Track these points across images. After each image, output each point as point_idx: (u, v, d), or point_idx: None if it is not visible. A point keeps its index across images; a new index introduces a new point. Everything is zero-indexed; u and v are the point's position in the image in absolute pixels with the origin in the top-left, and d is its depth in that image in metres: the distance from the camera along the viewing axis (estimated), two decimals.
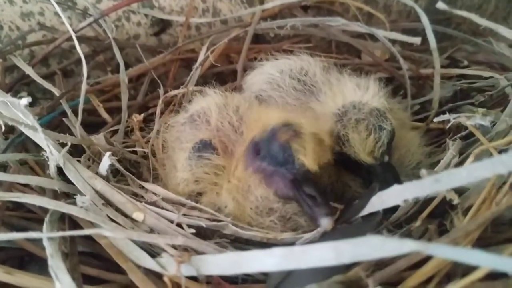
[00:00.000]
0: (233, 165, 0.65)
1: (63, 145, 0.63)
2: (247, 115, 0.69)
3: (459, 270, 0.48)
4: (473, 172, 0.45)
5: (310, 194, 0.56)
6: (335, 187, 0.69)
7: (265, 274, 0.56)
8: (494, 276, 0.47)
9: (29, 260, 0.62)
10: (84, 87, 0.74)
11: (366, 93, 0.70)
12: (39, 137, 0.57)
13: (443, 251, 0.40)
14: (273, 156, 0.60)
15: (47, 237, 0.50)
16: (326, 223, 0.53)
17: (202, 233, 0.59)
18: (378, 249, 0.40)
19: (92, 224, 0.57)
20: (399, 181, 0.53)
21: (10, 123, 0.57)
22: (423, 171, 0.51)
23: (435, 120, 0.70)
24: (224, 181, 0.65)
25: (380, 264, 0.50)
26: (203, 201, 0.64)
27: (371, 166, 0.64)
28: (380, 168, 0.63)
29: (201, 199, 0.65)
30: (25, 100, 0.49)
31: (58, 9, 0.76)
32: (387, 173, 0.63)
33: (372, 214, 0.53)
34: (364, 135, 0.63)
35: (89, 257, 0.61)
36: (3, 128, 0.56)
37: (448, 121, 0.79)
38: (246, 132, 0.66)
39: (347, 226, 0.55)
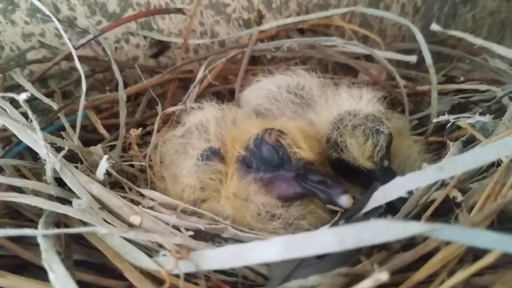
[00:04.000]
0: (229, 176, 0.65)
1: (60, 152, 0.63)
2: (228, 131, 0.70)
3: (467, 262, 0.47)
4: (477, 157, 0.44)
5: (319, 180, 0.55)
6: None
7: (266, 278, 0.54)
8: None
9: (22, 271, 0.60)
10: (83, 100, 0.74)
11: (360, 101, 0.70)
12: (37, 138, 0.56)
13: (449, 233, 0.39)
14: (267, 161, 0.60)
15: (41, 234, 0.49)
16: (345, 200, 0.53)
17: (200, 238, 0.57)
18: (382, 233, 0.39)
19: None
20: None
21: (7, 124, 0.56)
22: (424, 164, 0.50)
23: (434, 121, 0.70)
24: (225, 188, 0.64)
25: (384, 261, 0.49)
26: (203, 208, 0.63)
27: (371, 171, 0.63)
28: (381, 173, 0.63)
29: (201, 206, 0.64)
30: (24, 95, 0.49)
31: (58, 25, 0.77)
32: (388, 178, 0.62)
33: (374, 209, 0.52)
34: (361, 140, 0.63)
35: (83, 266, 0.59)
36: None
37: (447, 131, 0.80)
38: (229, 148, 0.66)
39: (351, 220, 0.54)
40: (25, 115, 0.64)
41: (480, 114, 0.79)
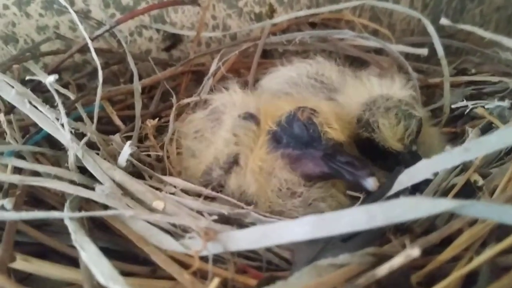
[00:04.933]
0: (259, 145, 0.66)
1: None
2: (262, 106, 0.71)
3: (491, 243, 0.47)
4: (502, 137, 0.44)
5: (347, 161, 0.56)
6: None
7: (290, 263, 0.55)
8: None
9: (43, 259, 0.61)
10: (99, 90, 0.75)
11: (393, 86, 0.71)
12: (58, 125, 0.57)
13: (478, 210, 0.39)
14: (297, 138, 0.61)
15: (68, 217, 0.49)
16: (371, 183, 0.54)
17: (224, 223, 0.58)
18: (412, 210, 0.40)
19: None
20: None
21: (28, 112, 0.57)
22: (447, 147, 0.51)
23: (453, 106, 0.71)
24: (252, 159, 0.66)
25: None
26: (231, 183, 0.65)
27: (400, 153, 0.63)
28: (409, 156, 0.63)
29: (228, 181, 0.65)
30: (52, 77, 0.49)
31: (74, 16, 0.77)
32: (415, 162, 0.62)
33: (400, 192, 0.53)
34: (394, 121, 0.64)
35: (106, 253, 0.60)
36: (29, 105, 0.55)
37: (462, 121, 0.81)
38: (262, 121, 0.67)
39: None
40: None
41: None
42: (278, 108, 0.65)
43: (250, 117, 0.67)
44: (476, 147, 0.45)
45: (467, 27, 1.01)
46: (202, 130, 0.74)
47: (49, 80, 0.49)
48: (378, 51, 1.10)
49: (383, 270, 0.39)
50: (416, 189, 0.53)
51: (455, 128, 0.84)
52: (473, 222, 0.49)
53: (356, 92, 0.73)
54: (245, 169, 0.65)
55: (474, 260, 0.43)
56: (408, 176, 0.51)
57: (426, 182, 0.53)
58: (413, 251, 0.39)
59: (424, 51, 1.00)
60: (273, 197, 0.62)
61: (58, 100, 0.53)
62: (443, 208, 0.39)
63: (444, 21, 1.05)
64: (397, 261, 0.39)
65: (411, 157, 0.62)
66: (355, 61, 1.13)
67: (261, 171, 0.63)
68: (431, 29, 0.95)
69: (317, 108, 0.61)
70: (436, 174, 0.50)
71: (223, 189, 0.66)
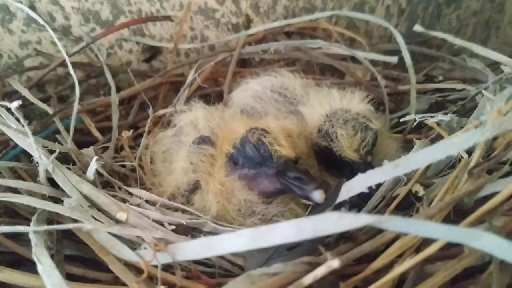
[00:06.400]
0: (216, 168, 0.69)
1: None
2: (219, 128, 0.75)
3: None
4: (428, 155, 0.48)
5: (296, 177, 0.59)
6: None
7: (242, 269, 0.59)
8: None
9: (18, 267, 0.65)
10: (76, 104, 0.79)
11: (352, 101, 0.75)
12: (29, 142, 0.61)
13: (395, 224, 0.43)
14: (250, 159, 0.64)
15: (33, 230, 0.54)
16: (317, 196, 0.58)
17: (183, 233, 0.62)
18: (336, 224, 0.43)
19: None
20: None
21: (3, 129, 0.61)
22: (385, 161, 0.54)
23: (401, 120, 0.74)
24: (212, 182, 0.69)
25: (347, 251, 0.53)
26: (196, 200, 0.68)
27: (354, 163, 0.67)
28: (363, 166, 0.67)
29: (193, 198, 0.69)
30: (16, 103, 0.53)
31: (53, 35, 0.81)
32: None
33: (340, 204, 0.56)
34: (351, 132, 0.67)
35: (76, 261, 0.64)
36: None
37: (425, 130, 0.84)
38: (219, 144, 0.71)
39: None
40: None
41: (454, 112, 0.83)
42: (233, 131, 0.68)
43: (203, 140, 0.70)
44: (404, 164, 0.49)
45: (439, 34, 1.04)
46: (170, 150, 0.78)
47: (13, 105, 0.53)
48: (355, 58, 1.13)
49: (308, 279, 0.43)
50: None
51: (420, 135, 0.87)
52: None
53: (319, 104, 0.77)
54: (207, 190, 0.68)
55: (398, 267, 0.47)
56: (347, 189, 0.54)
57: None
58: (333, 263, 0.42)
59: (394, 60, 1.03)
60: (234, 215, 0.66)
61: (23, 121, 0.57)
62: (363, 223, 0.43)
63: (418, 28, 1.08)
64: (320, 271, 0.43)
65: (365, 167, 0.66)
66: (332, 69, 1.17)
67: (222, 193, 0.66)
68: (399, 39, 0.99)
69: (267, 128, 0.65)
70: (370, 188, 0.54)
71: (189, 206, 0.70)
